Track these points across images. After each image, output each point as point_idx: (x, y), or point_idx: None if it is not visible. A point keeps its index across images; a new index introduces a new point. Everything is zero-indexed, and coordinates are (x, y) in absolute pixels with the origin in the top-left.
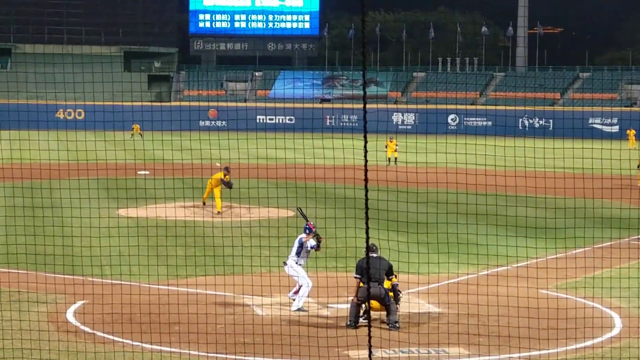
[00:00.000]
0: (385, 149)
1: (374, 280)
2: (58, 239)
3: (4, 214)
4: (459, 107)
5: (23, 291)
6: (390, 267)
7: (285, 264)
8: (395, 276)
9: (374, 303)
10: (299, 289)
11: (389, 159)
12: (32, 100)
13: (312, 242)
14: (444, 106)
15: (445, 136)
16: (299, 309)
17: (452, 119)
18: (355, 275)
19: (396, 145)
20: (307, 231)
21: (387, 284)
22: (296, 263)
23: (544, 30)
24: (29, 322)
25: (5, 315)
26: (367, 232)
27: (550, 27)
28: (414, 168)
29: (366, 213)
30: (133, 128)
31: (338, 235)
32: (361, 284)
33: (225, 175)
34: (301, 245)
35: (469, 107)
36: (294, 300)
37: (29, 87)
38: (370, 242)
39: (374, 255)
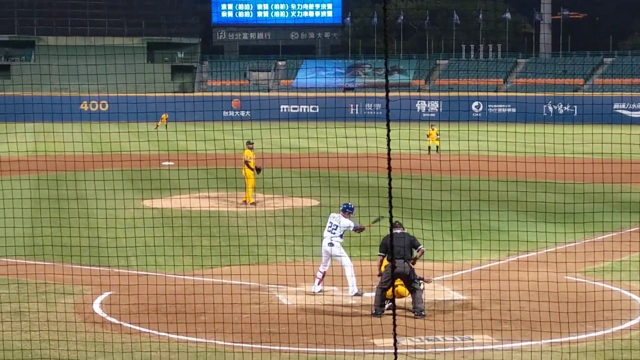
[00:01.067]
0: (427, 138)
1: (398, 258)
2: (84, 231)
3: (30, 206)
4: (482, 94)
5: (49, 283)
6: (414, 239)
7: (332, 244)
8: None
9: (400, 289)
10: (322, 277)
11: (429, 147)
12: (56, 92)
13: (347, 221)
14: (467, 93)
15: (468, 123)
16: (356, 294)
17: (476, 106)
18: (379, 253)
19: (437, 134)
20: (348, 211)
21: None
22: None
23: (570, 16)
24: (55, 313)
25: (32, 307)
26: (390, 212)
27: (574, 12)
28: (438, 155)
29: (389, 191)
30: (162, 118)
31: (363, 224)
32: (385, 262)
33: (251, 150)
34: (337, 227)
35: (492, 94)
36: (318, 292)
37: (53, 80)
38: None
39: (398, 231)
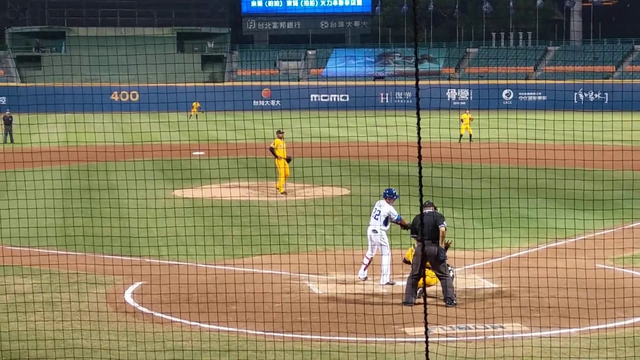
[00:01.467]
0: (461, 123)
1: (427, 239)
2: (115, 221)
3: (61, 197)
4: (512, 82)
5: (81, 273)
6: (439, 217)
7: (375, 231)
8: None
9: (430, 279)
10: (369, 263)
11: (461, 135)
12: (87, 83)
13: (390, 208)
14: (497, 81)
15: (498, 111)
16: (388, 283)
17: (506, 94)
18: (411, 235)
19: (471, 119)
20: (390, 196)
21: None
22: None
23: (602, 3)
24: (87, 303)
25: (64, 297)
26: (420, 200)
27: None
28: (468, 144)
29: (420, 180)
30: (192, 106)
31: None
32: (411, 249)
33: (281, 139)
34: (379, 213)
35: (523, 81)
36: (365, 278)
37: (84, 70)
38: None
39: (427, 210)
